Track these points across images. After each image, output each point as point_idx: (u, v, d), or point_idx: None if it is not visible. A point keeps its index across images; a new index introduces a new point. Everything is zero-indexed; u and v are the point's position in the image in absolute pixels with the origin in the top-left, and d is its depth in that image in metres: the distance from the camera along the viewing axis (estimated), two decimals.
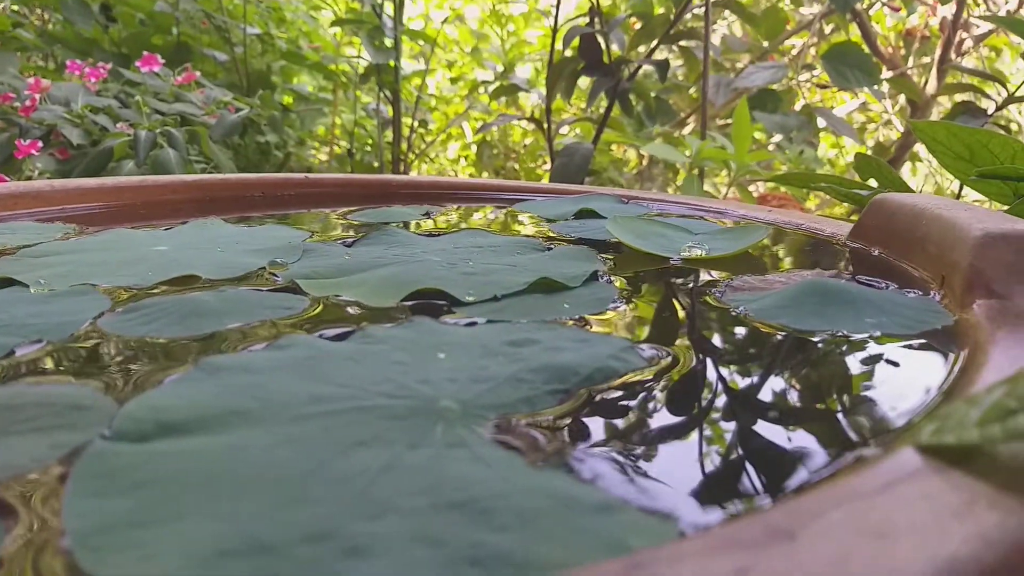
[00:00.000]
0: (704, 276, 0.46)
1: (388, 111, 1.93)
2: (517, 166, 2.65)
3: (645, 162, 2.66)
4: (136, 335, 0.35)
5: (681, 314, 0.39)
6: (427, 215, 0.70)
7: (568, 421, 0.26)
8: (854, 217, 0.66)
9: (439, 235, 0.60)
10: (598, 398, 0.28)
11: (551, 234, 0.61)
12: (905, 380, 0.30)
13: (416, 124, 2.01)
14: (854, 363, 0.32)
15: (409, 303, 0.40)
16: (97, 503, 0.21)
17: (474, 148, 3.11)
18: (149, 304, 0.39)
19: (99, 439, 0.24)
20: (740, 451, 0.24)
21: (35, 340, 0.34)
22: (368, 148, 2.21)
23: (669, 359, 0.32)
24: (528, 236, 0.59)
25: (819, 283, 0.39)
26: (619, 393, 0.28)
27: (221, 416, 0.26)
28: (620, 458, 0.23)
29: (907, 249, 0.46)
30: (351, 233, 0.62)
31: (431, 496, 0.21)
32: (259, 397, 0.27)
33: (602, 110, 1.47)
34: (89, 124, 1.39)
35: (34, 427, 0.25)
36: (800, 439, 0.25)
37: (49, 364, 0.32)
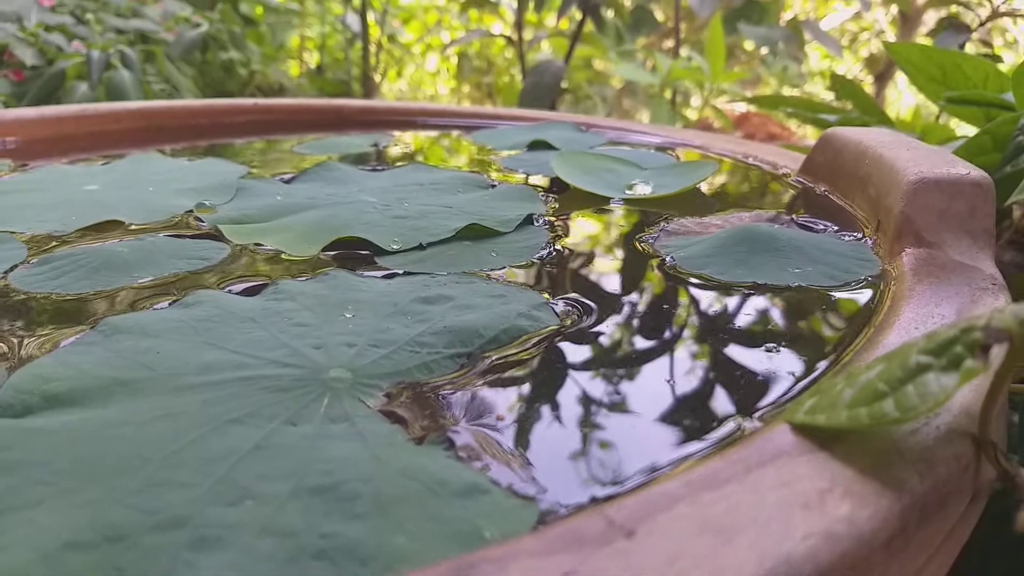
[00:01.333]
0: (643, 218, 0.45)
1: (358, 23, 1.85)
2: (495, 79, 2.57)
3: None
4: (44, 291, 0.34)
5: (607, 264, 0.38)
6: (375, 146, 0.68)
7: (462, 389, 0.26)
8: None
9: (382, 170, 0.58)
10: (498, 362, 0.27)
11: (499, 170, 0.59)
12: (811, 341, 0.29)
13: (385, 38, 1.94)
14: (765, 320, 0.31)
15: (332, 252, 0.39)
16: None
17: (454, 60, 3.02)
18: (62, 256, 0.38)
19: None
20: (621, 423, 0.24)
21: None
22: (340, 61, 2.14)
23: (580, 317, 0.31)
24: (474, 172, 0.57)
25: (750, 229, 0.38)
26: (520, 357, 0.28)
27: (106, 387, 0.25)
28: (500, 432, 0.23)
29: (850, 188, 0.45)
30: (292, 168, 0.60)
31: (296, 480, 0.20)
32: (148, 365, 0.27)
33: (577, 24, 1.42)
34: (43, 43, 1.33)
35: None
36: (687, 409, 0.25)
37: None
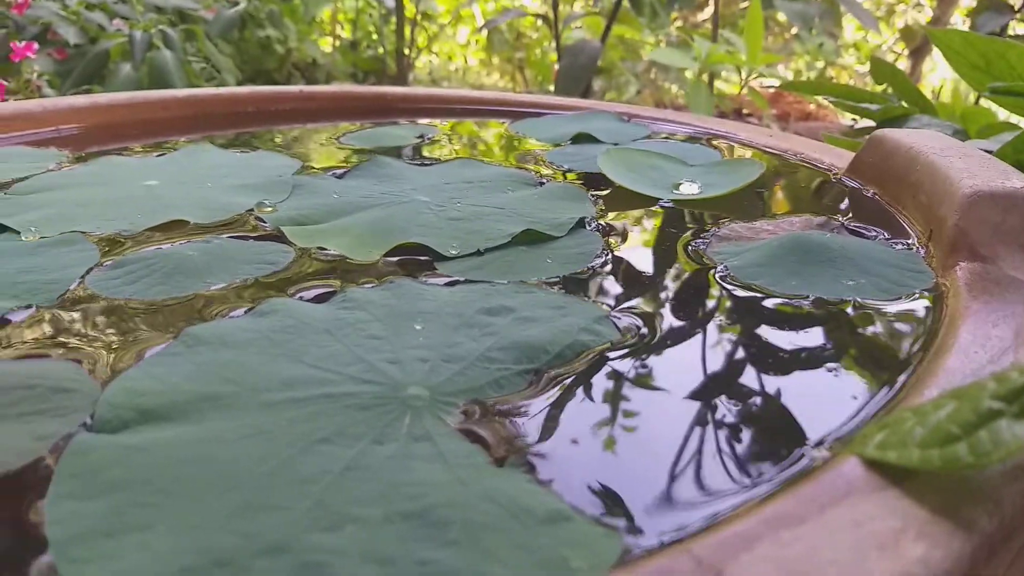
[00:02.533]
0: (693, 221, 0.46)
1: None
2: (524, 55, 2.55)
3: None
4: (121, 296, 0.36)
5: (661, 272, 0.39)
6: (421, 138, 0.69)
7: (532, 406, 0.27)
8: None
9: (431, 164, 0.59)
10: (564, 379, 0.28)
11: (545, 164, 0.60)
12: (870, 361, 0.30)
13: (419, 16, 1.94)
14: (822, 337, 0.32)
15: (394, 257, 0.40)
16: (75, 507, 0.22)
17: (484, 33, 3.00)
18: (134, 259, 0.39)
19: (83, 431, 0.25)
20: (690, 446, 0.25)
21: (25, 306, 0.34)
22: (373, 37, 2.13)
23: (642, 332, 0.32)
24: (520, 168, 0.58)
25: (802, 238, 0.38)
26: (585, 374, 0.29)
27: (194, 402, 0.27)
28: (575, 455, 0.24)
29: (900, 194, 0.45)
30: (343, 160, 0.61)
31: (386, 504, 0.21)
32: (232, 380, 0.28)
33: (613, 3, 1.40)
34: (85, 21, 1.35)
35: (18, 413, 0.26)
36: (755, 434, 0.25)
37: (37, 334, 0.32)
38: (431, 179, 0.54)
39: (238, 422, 0.25)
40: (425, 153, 0.65)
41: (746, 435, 0.26)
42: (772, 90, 1.70)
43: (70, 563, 0.20)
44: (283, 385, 0.27)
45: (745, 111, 1.36)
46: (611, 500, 0.22)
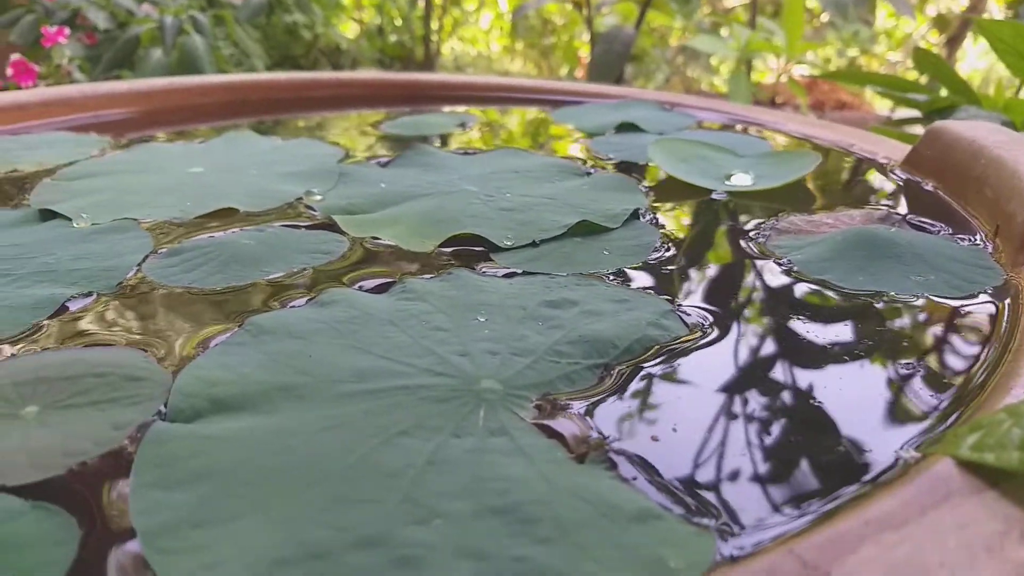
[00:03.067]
0: (749, 213, 0.45)
1: None
2: (553, 40, 2.53)
3: (689, 36, 2.53)
4: (180, 284, 0.36)
5: (724, 265, 0.38)
6: (462, 126, 0.68)
7: (606, 402, 0.26)
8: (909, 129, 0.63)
9: (474, 153, 0.59)
10: (637, 374, 0.28)
11: (590, 154, 0.59)
12: (948, 360, 0.29)
13: (446, 1, 1.93)
14: (896, 335, 0.31)
15: (448, 248, 0.40)
16: (159, 496, 0.22)
17: (509, 19, 2.98)
18: (190, 247, 0.39)
19: (158, 420, 0.25)
20: (770, 444, 0.24)
21: (86, 293, 0.34)
22: (396, 23, 2.12)
23: (709, 327, 0.32)
24: (565, 157, 0.57)
25: (868, 233, 0.38)
26: (658, 369, 0.28)
27: (268, 392, 0.26)
28: (656, 450, 0.24)
29: (962, 188, 0.44)
30: (385, 149, 0.61)
31: (474, 499, 0.21)
32: (303, 370, 0.28)
33: None
34: (113, 6, 1.35)
35: (91, 401, 0.26)
36: (837, 433, 0.25)
37: (100, 321, 0.32)
38: (476, 168, 0.54)
39: (315, 413, 0.25)
40: (467, 142, 0.65)
41: (826, 432, 0.25)
42: (806, 79, 1.67)
43: (159, 554, 0.20)
44: (355, 376, 0.27)
45: (778, 99, 1.34)
46: (696, 498, 0.22)
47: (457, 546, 0.20)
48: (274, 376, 0.27)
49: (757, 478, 0.23)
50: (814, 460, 0.24)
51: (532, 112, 0.78)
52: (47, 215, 0.45)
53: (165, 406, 0.26)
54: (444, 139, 0.65)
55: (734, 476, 0.23)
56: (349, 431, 0.24)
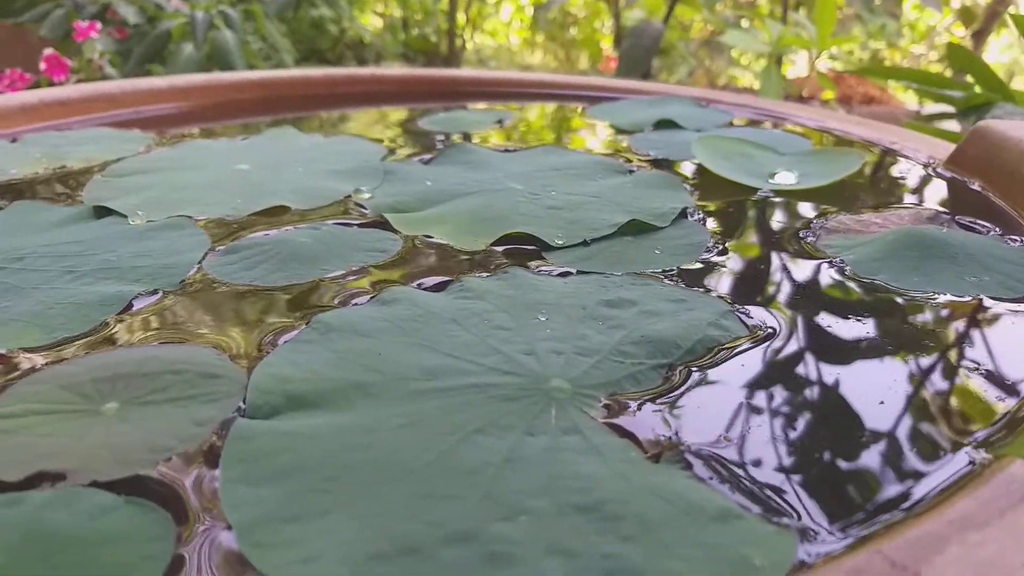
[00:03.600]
0: (796, 212, 0.45)
1: None
2: (576, 32, 2.52)
3: (710, 28, 2.52)
4: (243, 282, 0.36)
5: (777, 265, 0.38)
6: (499, 123, 0.68)
7: (674, 402, 0.27)
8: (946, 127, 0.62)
9: (515, 151, 0.59)
10: (701, 375, 0.28)
11: (630, 151, 0.60)
12: (1007, 361, 0.30)
13: None
14: (953, 335, 0.31)
15: (500, 247, 0.40)
16: (249, 492, 0.22)
17: (530, 12, 2.98)
18: (248, 245, 0.40)
19: (239, 418, 0.26)
20: (841, 445, 0.25)
21: (151, 291, 0.35)
22: (417, 17, 2.13)
23: (768, 328, 0.32)
24: (606, 155, 0.58)
25: (919, 233, 0.38)
26: (721, 369, 0.29)
27: (343, 390, 0.27)
28: (729, 451, 0.24)
29: (1011, 189, 0.44)
30: (425, 146, 0.61)
31: (554, 496, 0.22)
32: (374, 368, 0.28)
33: None
34: (143, 1, 1.36)
35: (170, 398, 0.27)
36: (908, 433, 0.25)
37: (167, 319, 0.33)
38: (519, 166, 0.54)
39: (389, 410, 0.26)
40: (506, 139, 0.65)
41: (894, 434, 0.25)
42: (832, 72, 1.65)
43: (256, 547, 0.20)
44: (425, 374, 0.28)
45: (805, 94, 1.33)
46: (772, 497, 0.22)
47: (545, 543, 0.20)
48: (346, 373, 0.28)
49: (830, 478, 0.23)
50: (884, 460, 0.24)
51: (566, 108, 0.78)
52: (101, 212, 0.46)
53: (244, 402, 0.27)
54: (483, 136, 0.65)
55: (808, 476, 0.23)
56: (425, 429, 0.25)
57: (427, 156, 0.57)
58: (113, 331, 0.32)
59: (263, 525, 0.21)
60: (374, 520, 0.21)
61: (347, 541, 0.20)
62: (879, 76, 0.94)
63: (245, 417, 0.26)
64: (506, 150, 0.59)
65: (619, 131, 0.66)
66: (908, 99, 1.47)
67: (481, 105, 0.79)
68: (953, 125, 1.05)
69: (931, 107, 0.99)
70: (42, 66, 1.22)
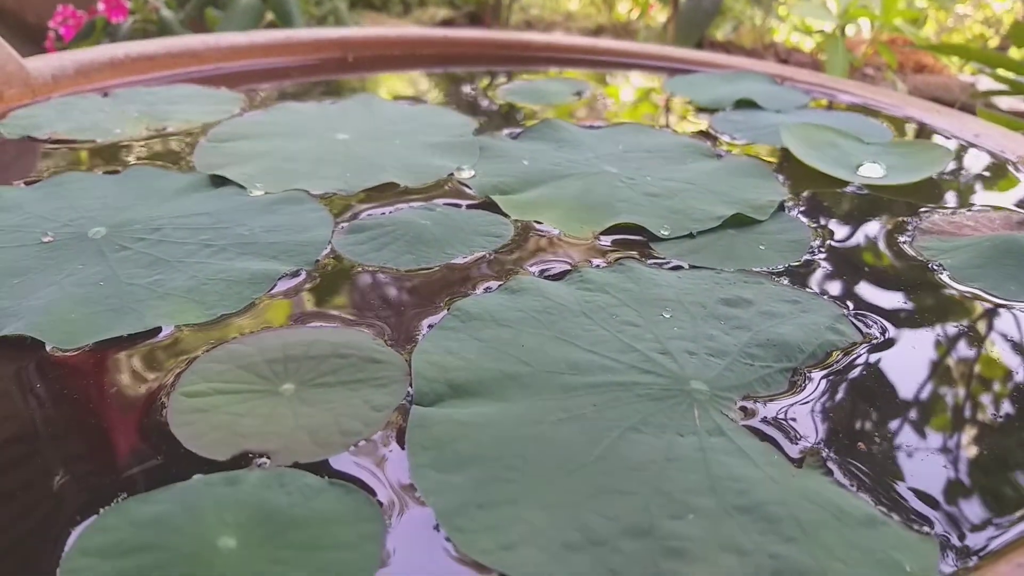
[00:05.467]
0: (887, 208, 0.47)
1: None
2: None
3: None
4: (374, 263, 0.39)
5: (878, 268, 0.40)
6: (578, 95, 0.70)
7: (804, 406, 0.29)
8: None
9: (601, 127, 0.60)
10: (827, 380, 0.31)
11: (714, 130, 0.61)
12: None
13: None
14: None
15: (607, 236, 0.42)
16: (439, 478, 0.25)
17: None
18: (372, 224, 0.42)
19: (413, 405, 0.28)
20: (972, 453, 0.27)
21: (294, 271, 0.38)
22: None
23: (880, 333, 0.34)
24: (692, 136, 0.59)
25: (1015, 242, 0.39)
26: (843, 374, 0.31)
27: (499, 380, 0.30)
28: (863, 457, 0.27)
29: None
30: (510, 118, 0.63)
31: (716, 496, 0.24)
32: (521, 359, 0.31)
33: None
34: None
35: (341, 381, 0.30)
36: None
37: (314, 299, 0.36)
38: (608, 146, 0.55)
39: (546, 403, 0.28)
40: (589, 112, 0.66)
41: (1019, 443, 0.28)
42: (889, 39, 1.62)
43: (459, 532, 0.23)
44: (571, 368, 0.30)
45: (867, 63, 1.31)
46: (908, 509, 0.25)
47: (717, 541, 0.23)
48: (497, 364, 0.31)
49: (963, 487, 0.26)
50: (1010, 469, 0.26)
51: (641, 78, 0.79)
52: (218, 180, 0.48)
53: (411, 387, 0.29)
54: (566, 108, 0.66)
55: (941, 484, 0.26)
56: (585, 424, 0.27)
57: (516, 130, 0.59)
58: (265, 309, 0.35)
59: (460, 511, 0.24)
60: (559, 511, 0.24)
61: (540, 530, 0.23)
62: (946, 53, 0.93)
63: (414, 404, 0.28)
64: (591, 126, 0.60)
65: (699, 109, 0.67)
66: (956, 67, 1.45)
67: (553, 71, 0.79)
68: (1008, 102, 1.05)
69: (988, 83, 0.98)
70: (100, 6, 1.23)
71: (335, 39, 0.78)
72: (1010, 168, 0.54)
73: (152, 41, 0.72)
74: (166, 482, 0.24)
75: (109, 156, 0.53)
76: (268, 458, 0.26)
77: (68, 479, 0.25)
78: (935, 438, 0.28)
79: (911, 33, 0.89)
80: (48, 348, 0.31)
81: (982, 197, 0.49)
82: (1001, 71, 0.82)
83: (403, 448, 0.26)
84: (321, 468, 0.26)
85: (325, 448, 0.27)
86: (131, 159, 0.52)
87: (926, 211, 0.46)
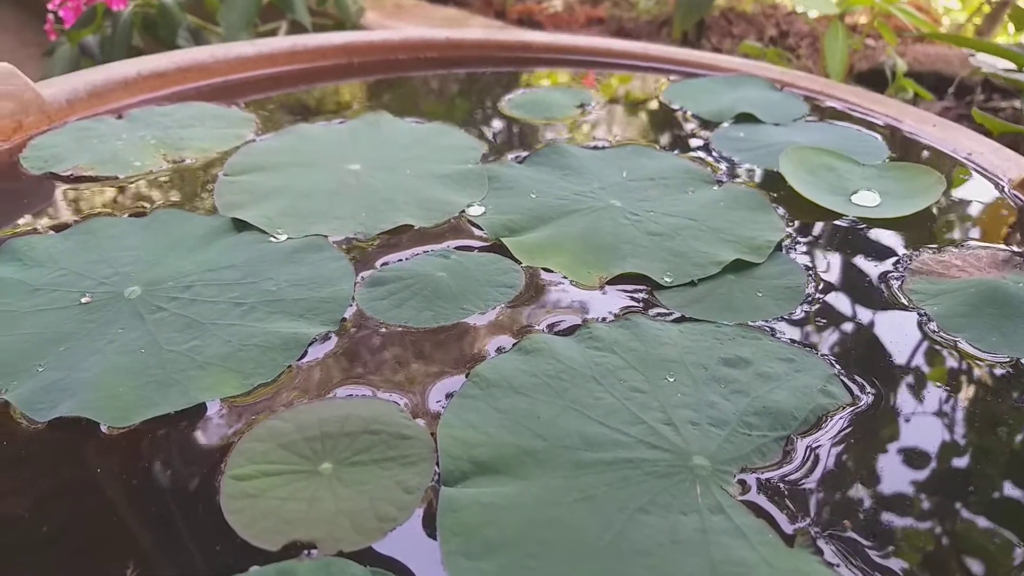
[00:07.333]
0: (879, 245, 0.49)
1: None
2: None
3: None
4: (395, 322, 0.41)
5: (868, 317, 0.42)
6: (581, 107, 0.71)
7: (797, 479, 0.32)
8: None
9: (604, 148, 0.62)
10: (817, 448, 0.34)
11: (713, 149, 0.62)
12: None
13: None
14: None
15: (611, 284, 0.45)
16: (470, 565, 0.28)
17: None
18: (391, 278, 0.44)
19: (442, 486, 0.31)
20: (960, 525, 0.30)
21: (323, 335, 0.40)
22: None
23: (870, 394, 0.37)
24: (692, 160, 0.61)
25: (998, 289, 0.42)
26: (832, 439, 0.34)
27: (516, 456, 0.33)
28: (849, 534, 0.30)
29: None
30: (515, 137, 0.64)
31: None
32: (538, 433, 0.34)
33: None
34: None
35: (373, 459, 0.33)
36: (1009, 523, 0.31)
37: (345, 365, 0.38)
38: (613, 173, 0.57)
39: (561, 482, 0.31)
40: (592, 128, 0.68)
41: (1010, 511, 0.31)
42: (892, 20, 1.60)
43: None
44: (584, 444, 0.33)
45: (868, 40, 1.30)
46: None
47: None
48: (516, 438, 0.33)
49: (952, 562, 0.29)
50: (993, 537, 0.30)
51: (642, 82, 0.80)
52: (239, 225, 0.50)
53: (438, 466, 0.32)
54: (569, 122, 0.68)
55: (929, 559, 0.29)
56: (598, 505, 0.30)
57: (522, 153, 0.60)
58: (298, 376, 0.37)
59: None
60: None
61: None
62: (948, 42, 0.93)
63: (442, 484, 0.31)
64: (595, 147, 0.62)
65: (700, 122, 0.68)
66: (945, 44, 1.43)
67: (554, 74, 0.80)
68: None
69: (984, 57, 0.98)
70: None
71: (340, 45, 0.79)
72: (999, 193, 0.56)
73: (161, 56, 0.73)
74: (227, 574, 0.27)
75: (133, 195, 0.55)
76: (315, 547, 0.29)
77: (140, 572, 0.28)
78: (927, 506, 0.31)
79: (907, 11, 0.88)
80: (103, 428, 0.34)
81: (971, 231, 0.52)
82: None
83: (435, 531, 0.29)
84: (363, 555, 0.29)
85: (365, 536, 0.29)
86: (155, 196, 0.54)
87: (916, 250, 0.48)
